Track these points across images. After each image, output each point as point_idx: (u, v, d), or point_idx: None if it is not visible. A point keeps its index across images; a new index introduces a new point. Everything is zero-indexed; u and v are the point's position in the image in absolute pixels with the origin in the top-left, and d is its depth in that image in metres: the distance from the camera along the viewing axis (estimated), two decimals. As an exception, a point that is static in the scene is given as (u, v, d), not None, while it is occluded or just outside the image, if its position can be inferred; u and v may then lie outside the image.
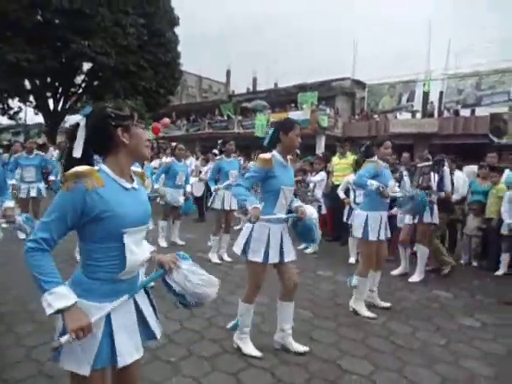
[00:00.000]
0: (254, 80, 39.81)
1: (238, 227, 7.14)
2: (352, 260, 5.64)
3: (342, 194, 5.95)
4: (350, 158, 6.66)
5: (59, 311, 1.34)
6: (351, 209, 5.57)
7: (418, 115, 18.62)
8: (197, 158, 11.97)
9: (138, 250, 1.52)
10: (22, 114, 27.57)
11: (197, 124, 24.86)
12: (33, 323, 3.32)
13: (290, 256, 2.92)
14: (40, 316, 3.47)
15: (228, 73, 42.85)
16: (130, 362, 1.50)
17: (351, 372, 2.74)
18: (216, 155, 10.80)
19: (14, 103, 24.74)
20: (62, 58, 20.79)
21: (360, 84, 21.24)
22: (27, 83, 22.33)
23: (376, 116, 19.68)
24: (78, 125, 1.50)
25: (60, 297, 1.34)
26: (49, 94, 23.53)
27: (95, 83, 23.77)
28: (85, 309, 1.39)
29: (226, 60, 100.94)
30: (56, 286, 1.34)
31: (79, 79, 24.14)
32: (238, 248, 2.94)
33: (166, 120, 19.86)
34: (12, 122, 28.97)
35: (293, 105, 20.11)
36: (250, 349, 2.91)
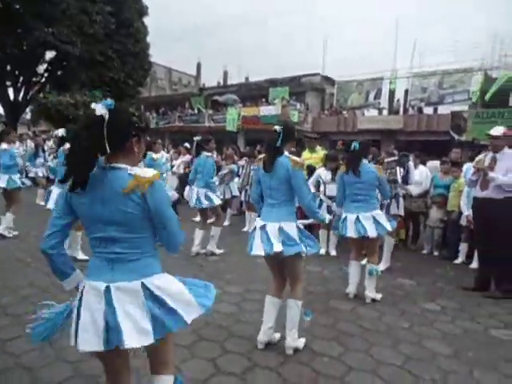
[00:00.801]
0: (225, 74, 39.54)
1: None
2: (323, 251, 5.84)
3: (312, 188, 6.13)
4: (321, 152, 6.85)
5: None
6: (321, 201, 5.76)
7: (385, 112, 19.23)
8: (167, 152, 11.86)
9: None
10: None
11: (167, 117, 24.48)
12: (6, 317, 3.27)
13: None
14: (13, 310, 3.43)
15: (198, 66, 42.31)
16: None
17: (322, 354, 2.90)
18: (188, 149, 10.81)
19: (-29, 92, 23.45)
20: (23, 45, 19.89)
21: (329, 80, 21.63)
22: (-15, 71, 21.20)
23: (345, 112, 20.15)
24: (101, 117, 1.49)
25: None
26: (8, 83, 22.44)
27: (59, 73, 22.89)
28: None
29: (197, 53, 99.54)
30: None
31: (41, 68, 23.16)
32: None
33: None
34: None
35: (264, 99, 20.21)
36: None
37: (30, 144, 12.27)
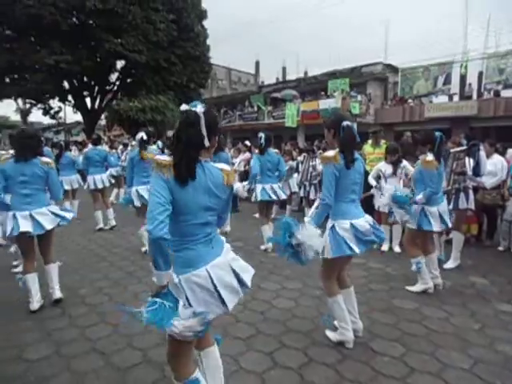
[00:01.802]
0: (284, 69, 39.41)
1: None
2: (385, 247, 5.62)
3: (373, 182, 5.88)
4: (384, 147, 6.57)
5: None
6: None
7: (456, 98, 17.85)
8: (228, 150, 12.18)
9: None
10: (61, 113, 28.92)
11: (227, 116, 25.10)
12: (85, 307, 3.63)
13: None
14: (91, 300, 3.79)
15: (257, 63, 42.66)
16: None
17: (383, 354, 2.81)
18: (247, 146, 11.00)
19: (55, 103, 26.04)
20: (96, 57, 21.54)
21: (392, 68, 20.59)
22: (66, 84, 23.35)
23: (410, 101, 19.07)
24: (199, 116, 1.73)
25: None
26: (86, 93, 24.52)
27: (128, 80, 24.49)
28: None
29: (255, 51, 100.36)
30: None
31: (113, 77, 24.96)
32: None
33: None
34: (53, 122, 30.49)
35: (323, 93, 19.84)
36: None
37: (106, 147, 13.34)
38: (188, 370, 1.87)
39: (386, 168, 5.47)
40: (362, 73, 20.61)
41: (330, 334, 3.03)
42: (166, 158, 1.72)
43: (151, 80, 22.28)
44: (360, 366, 2.67)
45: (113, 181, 7.95)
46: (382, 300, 3.83)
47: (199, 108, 1.75)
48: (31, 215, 3.42)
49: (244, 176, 10.63)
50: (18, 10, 18.17)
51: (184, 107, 1.80)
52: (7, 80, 21.45)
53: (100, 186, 6.95)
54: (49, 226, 3.49)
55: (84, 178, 7.55)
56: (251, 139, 12.37)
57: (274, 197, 5.65)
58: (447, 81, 18.67)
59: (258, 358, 2.76)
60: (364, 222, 2.84)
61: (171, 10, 21.62)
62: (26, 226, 3.36)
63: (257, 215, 7.85)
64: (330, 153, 2.77)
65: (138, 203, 5.26)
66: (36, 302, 3.52)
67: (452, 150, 5.04)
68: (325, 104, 17.99)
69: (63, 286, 3.82)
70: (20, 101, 27.12)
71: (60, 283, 3.77)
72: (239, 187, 5.22)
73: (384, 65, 20.64)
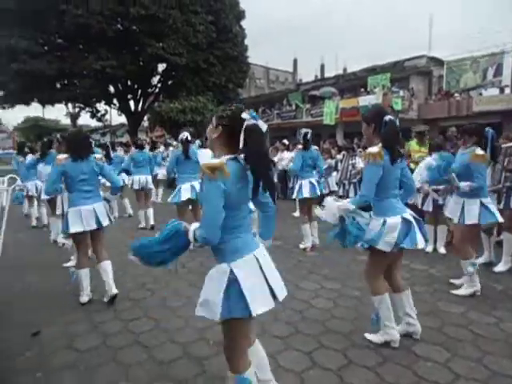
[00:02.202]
0: (322, 67, 38.93)
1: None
2: (430, 248, 5.40)
3: (416, 181, 5.63)
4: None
5: None
6: (426, 195, 5.32)
7: (508, 90, 16.77)
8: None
9: None
10: (107, 116, 30.34)
11: (265, 115, 25.15)
12: (129, 301, 3.78)
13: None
14: (134, 294, 3.95)
15: (295, 61, 42.43)
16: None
17: (426, 358, 2.71)
18: (285, 145, 10.97)
19: (101, 107, 27.42)
20: (139, 61, 22.39)
21: (437, 61, 19.68)
22: (111, 88, 24.46)
23: (457, 95, 18.14)
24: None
25: None
26: (129, 96, 25.54)
27: (169, 82, 25.22)
28: None
29: (293, 49, 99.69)
30: None
31: (155, 80, 25.81)
32: None
33: None
34: (99, 124, 32.06)
35: (362, 89, 19.37)
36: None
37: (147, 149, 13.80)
38: (244, 364, 1.92)
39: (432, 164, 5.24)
40: (404, 67, 19.88)
41: (371, 336, 2.95)
42: (215, 161, 1.75)
43: (191, 81, 22.81)
44: (401, 369, 2.59)
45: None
46: (425, 302, 3.68)
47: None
48: (94, 209, 3.66)
49: (282, 175, 10.63)
50: (68, 20, 19.25)
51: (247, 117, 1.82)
52: (58, 86, 22.80)
53: (144, 186, 7.27)
54: (105, 222, 3.72)
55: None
56: (289, 138, 12.33)
57: (316, 193, 5.58)
58: (498, 72, 17.57)
59: (297, 357, 2.75)
60: (410, 216, 2.79)
61: (210, 12, 22.02)
62: (90, 223, 3.62)
63: (296, 214, 7.83)
64: (374, 149, 2.69)
65: (182, 200, 5.42)
66: (86, 296, 3.73)
67: (503, 146, 4.75)
68: (365, 101, 17.54)
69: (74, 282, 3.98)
70: (70, 105, 28.69)
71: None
72: None
73: (428, 58, 19.78)
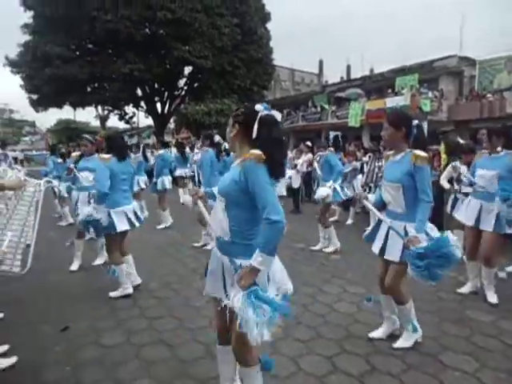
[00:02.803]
0: (348, 68, 38.51)
1: (332, 218, 7.26)
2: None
3: (446, 184, 5.47)
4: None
5: None
6: (456, 199, 5.16)
7: (545, 91, 16.03)
8: (290, 151, 12.17)
9: (216, 213, 1.93)
10: (135, 118, 31.05)
11: (290, 117, 25.08)
12: (154, 299, 3.86)
13: (389, 255, 2.77)
14: (159, 293, 4.02)
15: (320, 63, 42.15)
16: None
17: (454, 368, 2.62)
18: (309, 147, 10.90)
19: (129, 109, 28.09)
20: (166, 64, 22.82)
21: (469, 61, 19.05)
22: (139, 91, 25.05)
23: (489, 95, 17.50)
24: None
25: None
26: (156, 99, 26.07)
27: (195, 85, 25.57)
28: None
29: (318, 50, 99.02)
30: None
31: (181, 83, 26.23)
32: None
33: None
34: (127, 126, 32.86)
35: (390, 90, 19.00)
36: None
37: (174, 150, 14.00)
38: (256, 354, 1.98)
39: (462, 169, 5.08)
40: (433, 67, 19.37)
41: (400, 343, 2.89)
42: (257, 151, 1.78)
43: (216, 84, 23.05)
44: (427, 378, 2.52)
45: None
46: (453, 310, 3.58)
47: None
48: (133, 208, 3.89)
49: (306, 177, 10.56)
50: (98, 26, 19.87)
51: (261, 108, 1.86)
52: (89, 89, 23.56)
53: (167, 187, 7.45)
54: (136, 223, 3.93)
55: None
56: (314, 140, 12.21)
57: (339, 197, 5.67)
58: (535, 72, 16.83)
59: (318, 362, 2.72)
60: None
61: (235, 15, 22.19)
62: (133, 221, 3.86)
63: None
64: (424, 153, 2.66)
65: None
66: (131, 288, 3.94)
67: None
68: (392, 102, 17.19)
69: (116, 277, 4.08)
70: (99, 108, 29.56)
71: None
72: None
73: (459, 57, 19.20)
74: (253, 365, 1.96)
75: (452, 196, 5.42)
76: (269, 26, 25.41)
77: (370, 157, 8.11)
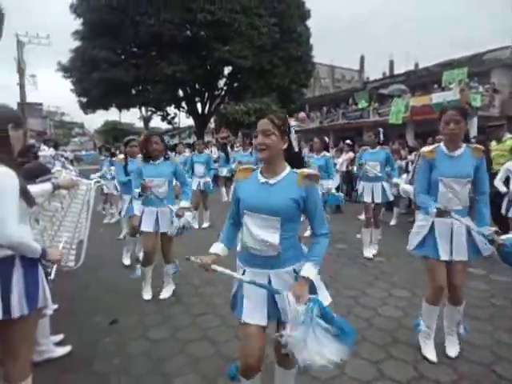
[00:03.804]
0: (391, 63, 37.29)
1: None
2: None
3: (501, 187, 5.11)
4: (509, 142, 5.75)
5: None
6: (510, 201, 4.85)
7: None
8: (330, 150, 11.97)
9: (255, 231, 1.83)
10: (176, 119, 31.90)
11: (330, 115, 24.67)
12: (197, 296, 3.95)
13: (458, 255, 2.65)
14: (202, 290, 4.10)
15: (361, 59, 41.13)
16: (249, 322, 1.84)
17: (509, 380, 2.47)
18: (349, 145, 10.68)
19: (171, 110, 28.87)
20: (207, 65, 23.19)
21: (524, 52, 17.84)
22: (180, 92, 25.67)
23: (547, 88, 16.29)
24: None
25: (213, 247, 2.03)
26: (197, 99, 26.59)
27: (235, 85, 25.80)
28: (237, 266, 2.00)
29: (360, 46, 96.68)
30: (217, 242, 2.04)
31: (221, 83, 26.57)
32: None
33: (301, 115, 20.18)
34: (169, 126, 33.82)
35: (436, 85, 18.17)
36: (426, 350, 2.78)
37: (214, 149, 14.23)
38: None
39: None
40: (483, 60, 18.31)
41: (453, 351, 2.78)
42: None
43: (256, 84, 23.12)
44: (480, 389, 2.39)
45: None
46: (508, 318, 3.37)
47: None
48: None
49: (346, 177, 10.36)
50: (142, 30, 20.58)
51: None
52: (133, 92, 24.46)
53: (203, 188, 7.48)
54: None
55: None
56: (355, 138, 11.97)
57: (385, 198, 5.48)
58: None
59: (363, 366, 2.66)
60: None
61: (273, 14, 22.14)
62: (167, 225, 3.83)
63: (361, 217, 7.58)
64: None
65: None
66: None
67: None
68: (439, 98, 16.42)
69: (180, 275, 4.20)
70: (143, 109, 30.62)
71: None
72: None
73: (513, 49, 18.02)
74: (294, 366, 2.01)
75: (506, 198, 5.10)
76: (308, 23, 25.16)
77: (416, 155, 7.80)
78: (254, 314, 1.85)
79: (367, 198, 5.40)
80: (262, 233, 1.81)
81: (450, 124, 2.59)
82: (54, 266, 2.04)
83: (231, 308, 2.06)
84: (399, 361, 2.72)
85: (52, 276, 2.02)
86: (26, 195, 1.82)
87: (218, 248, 2.01)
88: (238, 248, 2.07)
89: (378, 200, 5.40)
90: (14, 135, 1.85)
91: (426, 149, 2.79)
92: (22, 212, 1.80)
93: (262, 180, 1.84)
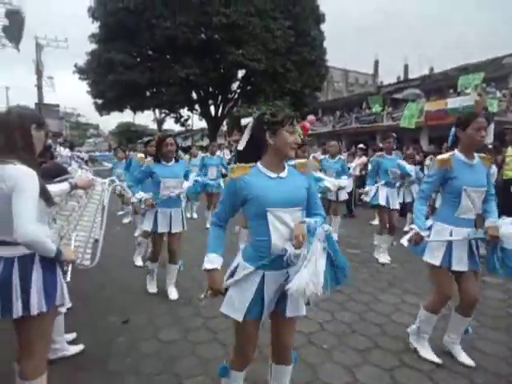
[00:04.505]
0: (406, 68, 36.99)
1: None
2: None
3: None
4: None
5: (206, 270, 1.87)
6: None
7: None
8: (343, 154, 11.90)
9: (282, 227, 1.78)
10: (189, 121, 32.11)
11: (343, 119, 24.56)
12: (208, 299, 3.93)
13: (473, 264, 2.65)
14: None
15: (376, 63, 40.89)
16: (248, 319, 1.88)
17: (528, 392, 2.41)
18: (363, 150, 10.61)
19: (184, 112, 29.09)
20: (220, 68, 23.32)
21: (544, 57, 17.54)
22: (194, 94, 25.86)
23: None
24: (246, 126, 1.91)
25: (208, 261, 1.87)
26: (211, 102, 26.75)
27: (248, 88, 25.89)
28: (243, 268, 1.84)
29: (374, 50, 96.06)
30: (209, 253, 1.88)
31: (234, 86, 26.67)
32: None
33: (310, 118, 20.10)
34: (182, 129, 34.09)
35: (451, 90, 17.94)
36: (429, 354, 2.78)
37: (226, 152, 14.32)
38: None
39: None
40: (502, 65, 18.04)
41: (468, 361, 2.73)
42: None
43: (269, 87, 23.16)
44: (498, 401, 2.34)
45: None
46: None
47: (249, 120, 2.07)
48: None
49: (360, 181, 10.28)
50: (157, 33, 20.82)
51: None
52: (148, 94, 24.74)
53: (216, 191, 7.47)
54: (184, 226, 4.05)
55: None
56: (368, 142, 11.88)
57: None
58: None
59: (376, 374, 2.62)
60: None
61: (288, 17, 22.17)
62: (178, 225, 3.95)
63: (374, 222, 7.52)
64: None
65: None
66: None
67: None
68: (454, 103, 16.22)
69: (190, 277, 4.22)
70: (157, 111, 30.94)
71: (187, 274, 4.19)
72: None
73: (532, 53, 17.72)
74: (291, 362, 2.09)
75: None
76: (323, 26, 25.13)
77: (431, 160, 7.70)
78: (250, 309, 1.88)
79: (382, 201, 5.32)
80: (286, 228, 1.78)
81: (481, 131, 2.53)
82: (70, 266, 2.07)
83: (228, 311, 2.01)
84: (414, 369, 2.67)
85: (68, 278, 2.04)
86: (45, 195, 1.85)
87: (217, 262, 1.88)
88: (246, 252, 1.92)
89: (395, 206, 5.34)
90: (36, 136, 1.89)
91: (442, 156, 2.72)
92: (41, 211, 1.84)
93: (273, 175, 1.83)
